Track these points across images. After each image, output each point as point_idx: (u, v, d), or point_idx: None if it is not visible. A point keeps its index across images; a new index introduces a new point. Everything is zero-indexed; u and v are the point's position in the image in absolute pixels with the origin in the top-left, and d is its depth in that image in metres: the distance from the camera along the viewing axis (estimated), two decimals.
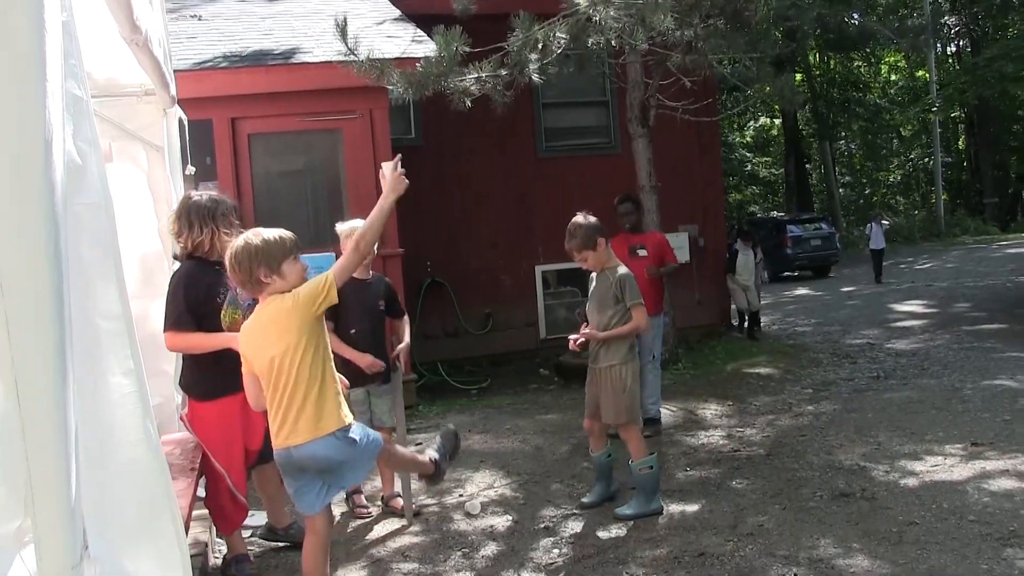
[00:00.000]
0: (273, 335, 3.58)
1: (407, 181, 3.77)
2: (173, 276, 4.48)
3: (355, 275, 5.48)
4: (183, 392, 4.64)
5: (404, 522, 5.64)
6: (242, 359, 3.74)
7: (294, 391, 3.57)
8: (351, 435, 3.69)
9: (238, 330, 4.15)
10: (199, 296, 4.31)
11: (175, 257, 4.66)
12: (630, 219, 7.93)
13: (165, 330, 4.33)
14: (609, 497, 5.80)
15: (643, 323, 5.54)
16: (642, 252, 7.70)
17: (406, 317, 5.96)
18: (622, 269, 5.62)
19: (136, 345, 1.77)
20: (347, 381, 4.43)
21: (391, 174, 3.74)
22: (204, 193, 4.55)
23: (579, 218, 5.59)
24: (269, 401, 3.67)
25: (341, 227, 5.56)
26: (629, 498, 5.66)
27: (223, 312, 4.38)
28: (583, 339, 5.61)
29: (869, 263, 21.06)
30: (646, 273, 7.41)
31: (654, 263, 7.69)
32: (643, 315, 5.54)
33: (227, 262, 3.62)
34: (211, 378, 4.37)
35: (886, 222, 23.93)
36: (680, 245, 11.67)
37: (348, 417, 3.72)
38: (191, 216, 4.38)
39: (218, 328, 4.34)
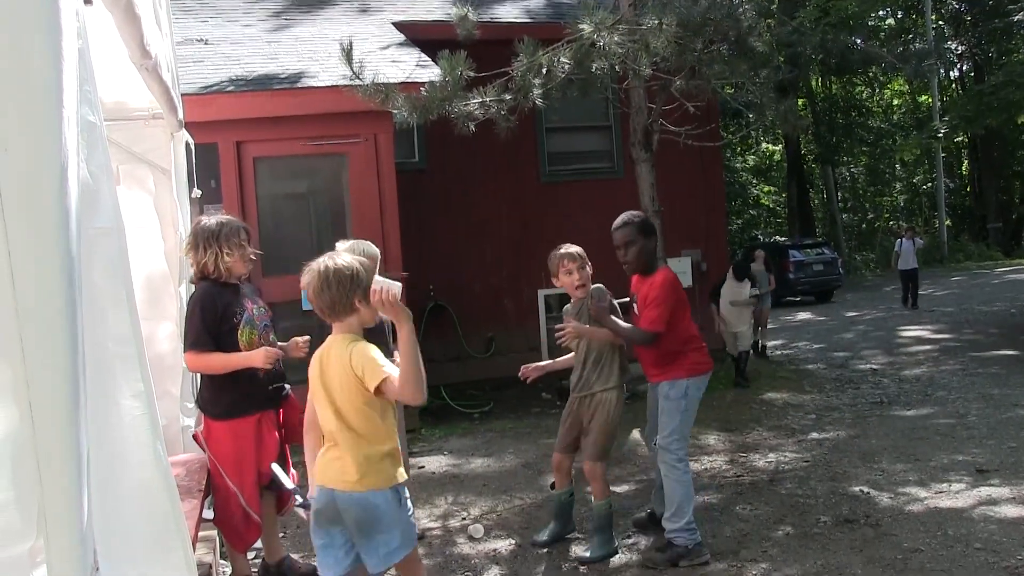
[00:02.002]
0: (339, 370, 3.41)
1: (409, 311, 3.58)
2: (191, 298, 4.54)
3: None
4: (199, 410, 4.67)
5: None
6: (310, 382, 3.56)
7: (354, 431, 3.40)
8: (405, 495, 3.51)
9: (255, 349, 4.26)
10: (216, 316, 4.37)
11: (191, 281, 4.72)
12: (627, 255, 5.59)
13: (185, 351, 4.42)
14: (562, 537, 5.58)
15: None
16: (636, 307, 5.54)
17: None
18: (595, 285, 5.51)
19: (147, 368, 1.79)
20: None
21: (389, 301, 3.48)
22: (214, 217, 4.61)
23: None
24: (326, 431, 3.48)
25: (341, 246, 5.57)
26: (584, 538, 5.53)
27: (240, 332, 4.43)
28: (569, 333, 5.27)
29: (873, 289, 20.92)
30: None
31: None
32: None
33: (317, 280, 3.42)
34: (229, 398, 4.43)
35: (920, 239, 21.09)
36: (683, 270, 11.70)
37: (404, 476, 3.54)
38: (197, 239, 4.45)
39: (235, 348, 4.40)
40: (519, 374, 5.66)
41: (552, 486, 5.77)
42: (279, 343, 4.70)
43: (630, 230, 5.42)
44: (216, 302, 4.41)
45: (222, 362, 4.38)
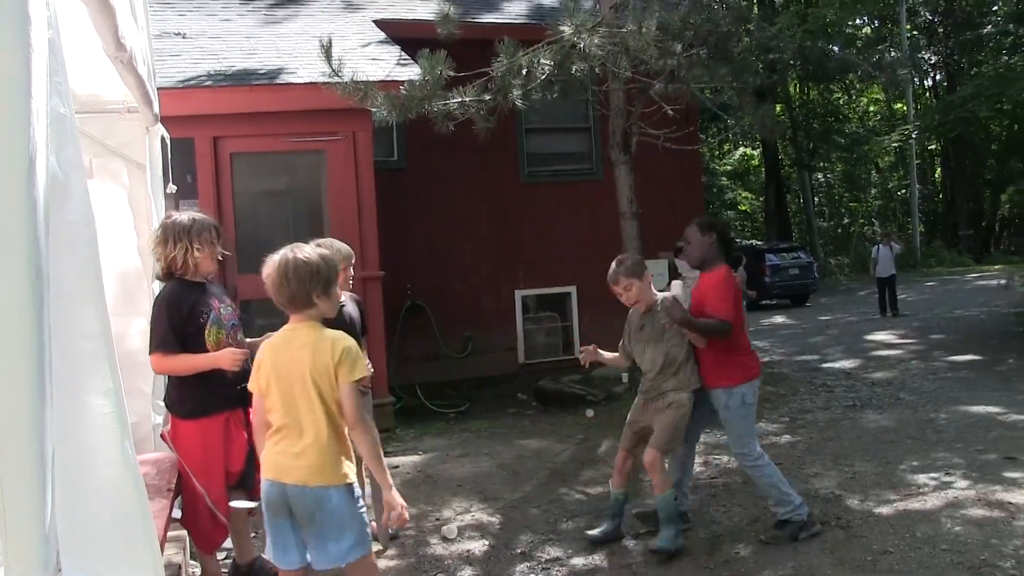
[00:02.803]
0: (308, 356, 3.40)
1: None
2: (156, 297, 4.48)
3: None
4: (167, 409, 4.62)
5: (379, 547, 5.61)
6: (253, 375, 3.59)
7: (320, 421, 3.38)
8: (358, 494, 3.51)
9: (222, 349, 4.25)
10: (183, 316, 4.31)
11: (157, 278, 4.65)
12: (688, 251, 5.91)
13: (151, 352, 4.35)
14: (617, 537, 5.53)
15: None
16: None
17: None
18: (662, 294, 5.53)
19: (116, 365, 1.77)
20: None
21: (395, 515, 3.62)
22: (185, 212, 4.57)
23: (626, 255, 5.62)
24: (279, 424, 3.46)
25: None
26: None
27: (207, 332, 4.37)
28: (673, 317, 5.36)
29: (847, 293, 21.04)
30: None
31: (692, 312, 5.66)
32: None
33: (276, 274, 3.45)
34: (196, 397, 4.38)
35: (897, 245, 19.58)
36: (660, 272, 11.72)
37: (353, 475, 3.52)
38: (166, 233, 4.38)
39: (203, 348, 4.34)
40: (579, 356, 5.78)
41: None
42: (248, 340, 4.65)
43: (690, 230, 5.72)
44: (182, 302, 4.35)
45: (188, 364, 4.32)
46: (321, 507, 3.37)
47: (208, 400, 4.36)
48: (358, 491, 3.51)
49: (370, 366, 5.38)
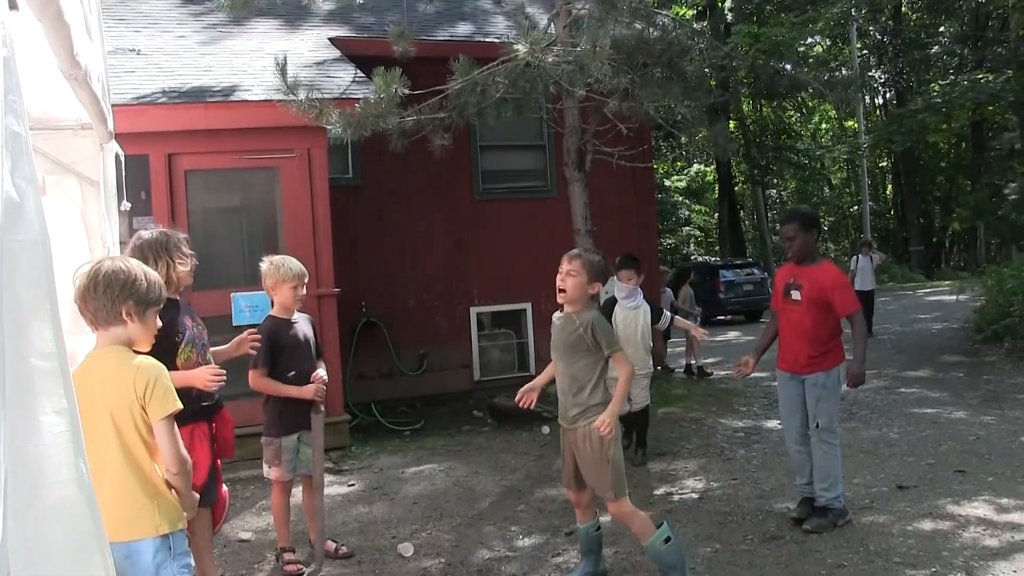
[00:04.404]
0: (107, 388, 2.94)
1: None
2: None
3: (283, 315, 5.47)
4: None
5: (342, 563, 5.59)
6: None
7: (117, 464, 2.91)
8: (180, 549, 3.08)
9: (191, 369, 4.23)
10: (159, 334, 4.28)
11: None
12: (792, 245, 6.00)
13: None
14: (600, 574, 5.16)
15: (630, 371, 4.80)
16: (795, 295, 5.93)
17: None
18: (593, 312, 4.85)
19: (70, 384, 1.76)
20: None
21: None
22: (154, 230, 4.55)
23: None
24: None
25: (264, 264, 5.50)
26: None
27: (180, 350, 4.36)
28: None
29: None
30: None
31: (809, 314, 5.83)
32: (626, 360, 4.80)
33: (85, 281, 2.99)
34: None
35: (877, 255, 18.02)
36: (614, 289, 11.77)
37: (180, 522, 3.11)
38: (144, 252, 4.36)
39: (172, 367, 4.31)
40: (518, 401, 5.09)
41: (568, 532, 5.76)
42: (212, 349, 4.66)
43: (794, 226, 5.95)
44: (161, 318, 4.33)
45: None
46: (132, 565, 2.92)
47: None
48: (180, 545, 3.09)
49: (325, 386, 5.38)
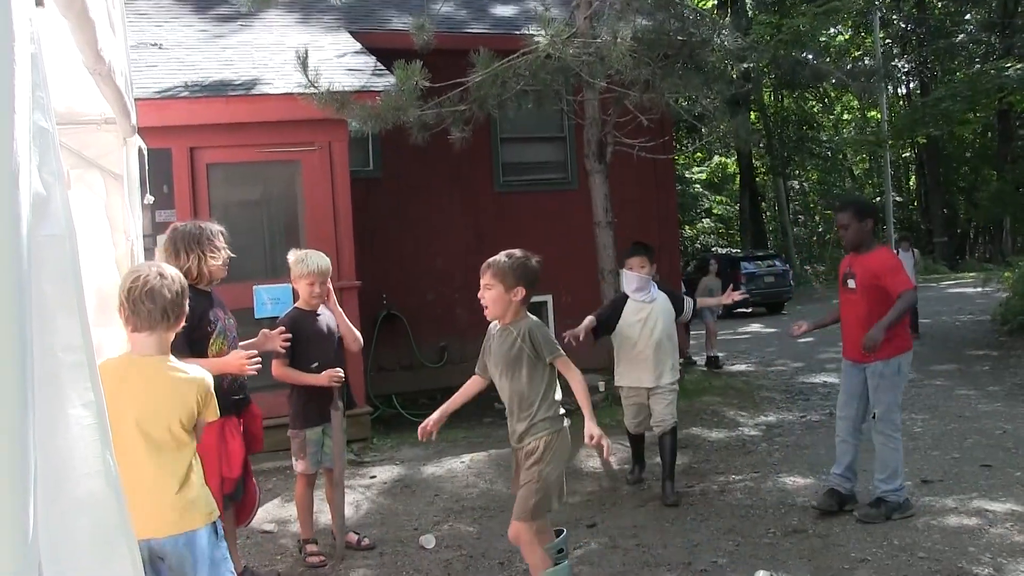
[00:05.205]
0: (155, 395, 3.14)
1: None
2: None
3: (307, 307, 5.49)
4: None
5: (364, 555, 5.62)
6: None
7: (177, 459, 3.13)
8: (220, 532, 3.32)
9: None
10: (192, 324, 4.36)
11: None
12: (845, 233, 6.00)
13: None
14: None
15: (580, 374, 4.45)
16: (851, 283, 5.94)
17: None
18: (529, 319, 4.45)
19: (97, 377, 1.77)
20: None
21: None
22: (189, 222, 4.63)
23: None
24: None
25: (292, 256, 5.53)
26: None
27: (212, 341, 4.42)
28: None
29: (823, 301, 20.88)
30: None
31: (864, 301, 5.82)
32: (571, 365, 4.45)
33: (146, 289, 3.11)
34: None
35: (916, 252, 17.43)
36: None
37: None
38: (177, 244, 4.44)
39: (204, 356, 4.39)
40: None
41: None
42: (241, 343, 4.72)
43: (847, 215, 5.90)
44: (194, 309, 4.40)
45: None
46: (191, 551, 3.16)
47: None
48: (220, 529, 3.34)
49: (341, 374, 5.41)
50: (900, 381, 5.85)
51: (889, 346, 5.68)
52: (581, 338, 6.23)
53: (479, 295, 4.42)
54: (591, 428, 4.23)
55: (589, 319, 6.54)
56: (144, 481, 3.03)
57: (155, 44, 10.05)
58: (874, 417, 5.85)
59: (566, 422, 4.48)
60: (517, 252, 4.40)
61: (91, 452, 1.75)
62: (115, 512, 1.81)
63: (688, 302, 7.15)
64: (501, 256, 4.38)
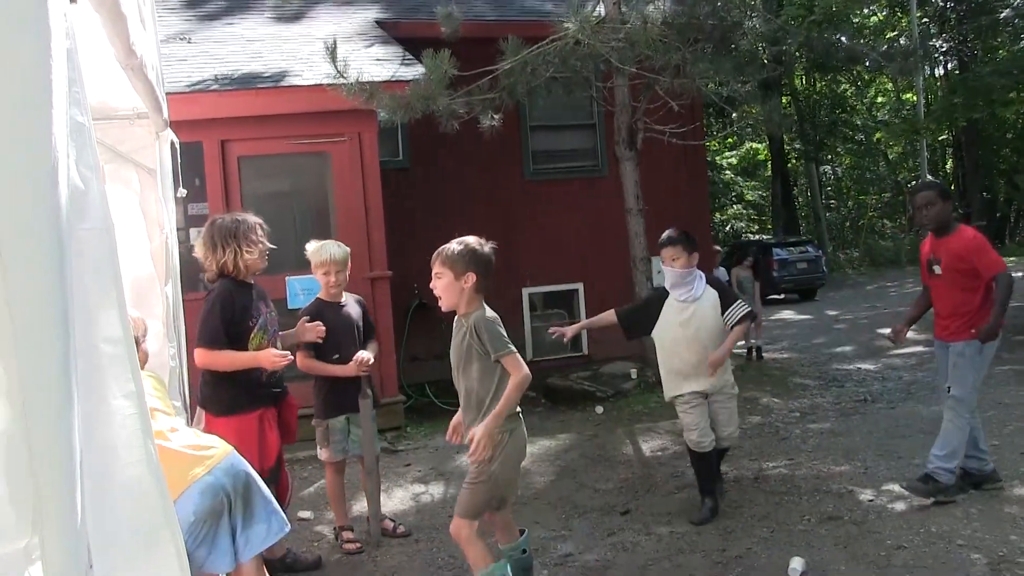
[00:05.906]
0: None
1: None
2: (210, 294, 4.58)
3: (330, 298, 5.53)
4: (201, 408, 4.72)
5: (399, 541, 5.66)
6: None
7: None
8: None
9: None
10: (234, 316, 4.42)
11: (209, 280, 4.75)
12: (928, 213, 5.76)
13: (197, 346, 4.48)
14: None
15: (522, 377, 4.21)
16: (936, 269, 5.85)
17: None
18: (487, 312, 4.31)
19: (137, 367, 1.80)
20: None
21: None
22: (228, 215, 4.69)
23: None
24: None
25: (311, 246, 5.57)
26: None
27: (253, 335, 4.48)
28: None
29: (856, 287, 20.71)
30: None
31: (953, 285, 5.77)
32: (519, 365, 4.21)
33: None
34: (230, 394, 4.50)
35: None
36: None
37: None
38: (214, 238, 4.50)
39: (242, 349, 4.46)
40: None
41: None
42: (281, 332, 4.80)
43: (931, 194, 5.79)
44: (235, 302, 4.47)
45: (231, 360, 4.48)
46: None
47: (241, 397, 4.51)
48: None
49: (369, 357, 5.45)
50: (981, 363, 5.74)
51: (970, 327, 5.67)
52: (567, 338, 5.67)
53: (430, 285, 4.27)
54: (487, 426, 4.11)
55: (589, 320, 6.45)
56: None
57: (184, 38, 10.12)
58: (948, 391, 5.78)
59: (521, 421, 4.37)
60: (469, 239, 4.26)
61: (134, 441, 1.78)
62: (157, 499, 1.84)
63: (733, 312, 5.83)
64: (451, 243, 4.24)
